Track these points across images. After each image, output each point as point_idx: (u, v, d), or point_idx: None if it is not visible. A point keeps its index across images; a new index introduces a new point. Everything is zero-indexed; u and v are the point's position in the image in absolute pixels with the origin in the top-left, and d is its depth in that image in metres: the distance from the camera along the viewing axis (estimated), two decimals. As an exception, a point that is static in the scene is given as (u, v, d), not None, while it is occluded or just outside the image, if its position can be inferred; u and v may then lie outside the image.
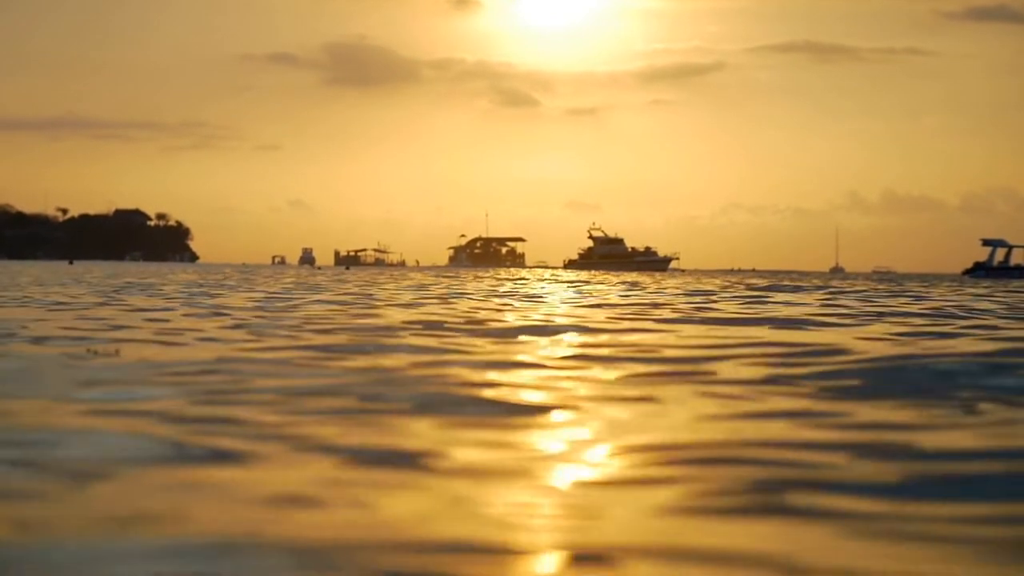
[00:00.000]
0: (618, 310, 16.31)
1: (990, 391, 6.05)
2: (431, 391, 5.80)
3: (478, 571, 2.58)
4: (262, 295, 21.02)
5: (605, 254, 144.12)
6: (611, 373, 6.85)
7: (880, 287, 38.56)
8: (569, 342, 9.63)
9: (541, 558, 2.69)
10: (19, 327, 10.50)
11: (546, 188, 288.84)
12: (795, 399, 5.66)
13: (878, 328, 12.21)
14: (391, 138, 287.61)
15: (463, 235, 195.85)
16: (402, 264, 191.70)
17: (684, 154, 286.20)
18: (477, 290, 27.02)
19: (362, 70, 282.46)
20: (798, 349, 8.64)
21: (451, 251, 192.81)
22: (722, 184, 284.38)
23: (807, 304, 19.46)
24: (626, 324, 12.46)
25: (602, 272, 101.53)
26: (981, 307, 19.12)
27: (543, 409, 5.18)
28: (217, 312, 14.13)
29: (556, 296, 23.42)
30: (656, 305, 18.44)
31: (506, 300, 20.03)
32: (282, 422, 4.63)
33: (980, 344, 9.40)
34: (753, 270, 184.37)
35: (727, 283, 43.07)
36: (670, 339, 9.93)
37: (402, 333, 10.24)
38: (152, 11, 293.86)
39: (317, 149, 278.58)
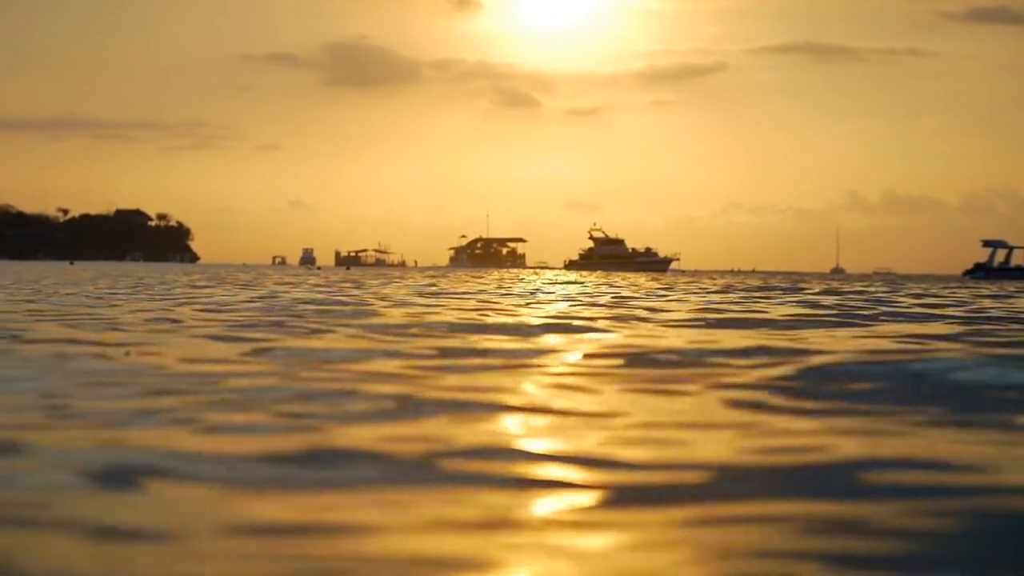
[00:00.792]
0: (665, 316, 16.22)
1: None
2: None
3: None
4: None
5: (606, 255, 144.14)
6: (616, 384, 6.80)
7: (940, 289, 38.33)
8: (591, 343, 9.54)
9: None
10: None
11: (546, 188, 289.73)
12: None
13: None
14: (391, 138, 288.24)
15: (463, 235, 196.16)
16: (402, 264, 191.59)
17: (684, 154, 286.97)
18: (494, 292, 26.77)
19: (362, 70, 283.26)
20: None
21: (452, 252, 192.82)
22: (722, 184, 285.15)
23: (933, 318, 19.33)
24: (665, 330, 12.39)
25: (603, 272, 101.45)
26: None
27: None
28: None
29: (582, 302, 23.28)
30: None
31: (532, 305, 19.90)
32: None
33: None
34: (753, 271, 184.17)
35: (742, 285, 42.65)
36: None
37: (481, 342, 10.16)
38: (152, 11, 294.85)
39: (317, 149, 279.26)
